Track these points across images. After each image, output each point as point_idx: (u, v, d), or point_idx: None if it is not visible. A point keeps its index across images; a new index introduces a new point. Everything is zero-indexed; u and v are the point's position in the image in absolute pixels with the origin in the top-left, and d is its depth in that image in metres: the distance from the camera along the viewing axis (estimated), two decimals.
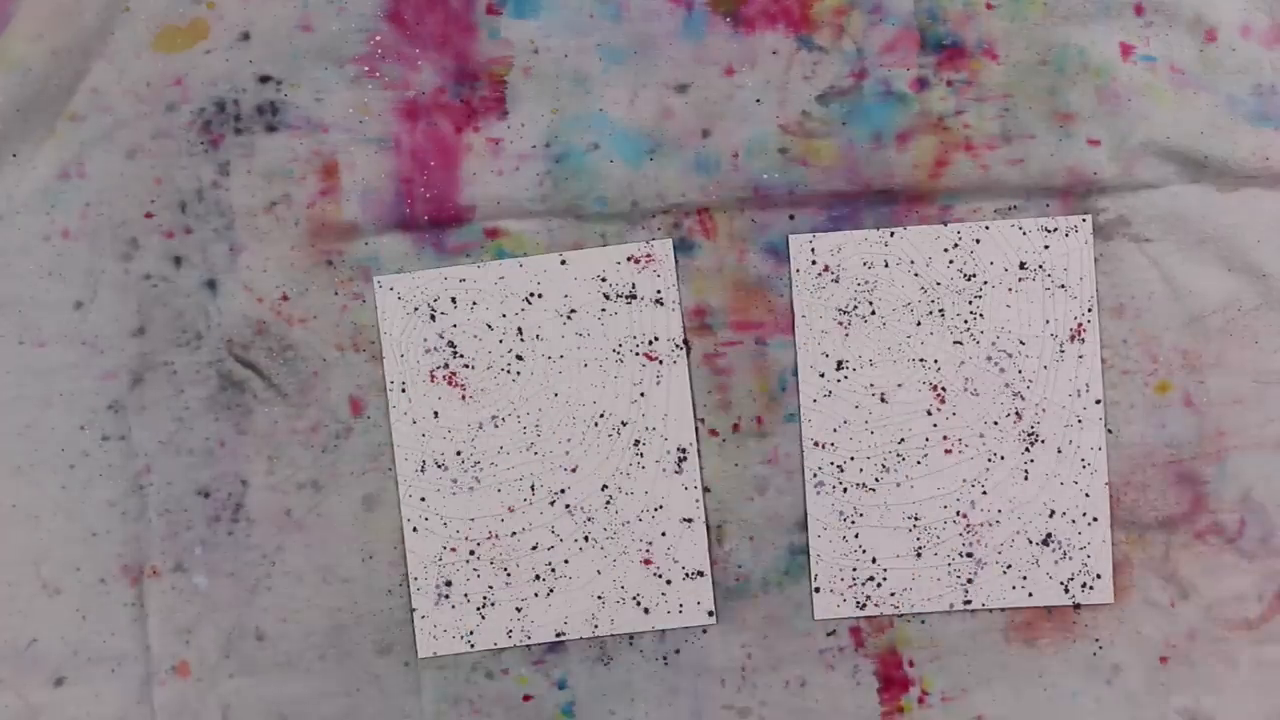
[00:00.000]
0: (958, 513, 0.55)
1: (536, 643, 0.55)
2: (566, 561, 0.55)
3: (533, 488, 0.55)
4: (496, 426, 0.54)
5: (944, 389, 0.54)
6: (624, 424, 0.54)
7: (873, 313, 0.54)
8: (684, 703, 0.55)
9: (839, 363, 0.54)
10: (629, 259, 0.54)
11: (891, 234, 0.54)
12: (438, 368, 0.55)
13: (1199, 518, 0.55)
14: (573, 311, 0.54)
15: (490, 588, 0.55)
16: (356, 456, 0.55)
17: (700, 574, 0.55)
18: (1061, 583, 0.54)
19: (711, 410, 0.55)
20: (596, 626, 0.55)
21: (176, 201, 0.54)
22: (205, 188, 0.54)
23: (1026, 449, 0.54)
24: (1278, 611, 0.54)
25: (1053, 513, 0.54)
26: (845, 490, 0.55)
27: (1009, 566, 0.55)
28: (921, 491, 0.55)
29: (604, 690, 0.55)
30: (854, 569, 0.55)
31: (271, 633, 0.55)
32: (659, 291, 0.54)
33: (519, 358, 0.54)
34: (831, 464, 0.55)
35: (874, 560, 0.55)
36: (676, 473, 0.55)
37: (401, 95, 0.54)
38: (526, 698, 0.55)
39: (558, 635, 0.55)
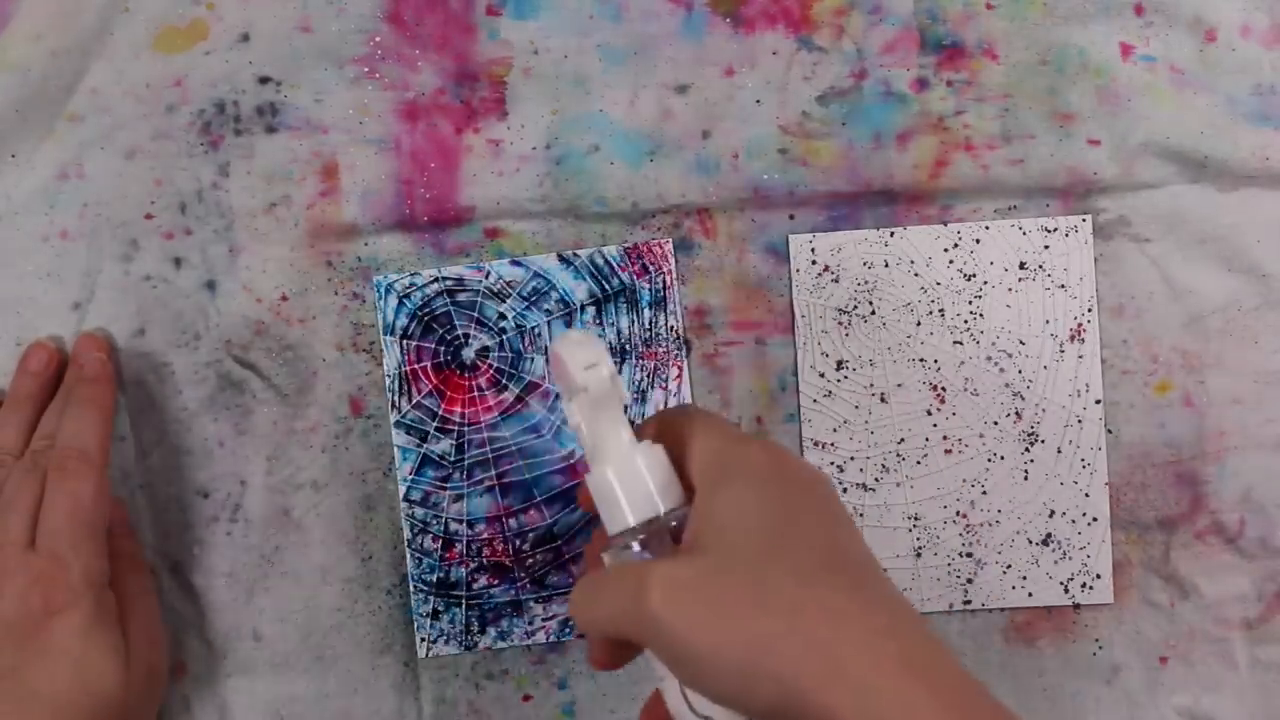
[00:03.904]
0: (958, 513, 0.55)
1: (536, 643, 0.55)
2: (567, 561, 0.55)
3: (532, 488, 0.55)
4: (496, 427, 0.54)
5: (944, 389, 0.54)
6: None
7: (873, 313, 0.54)
8: None
9: (839, 363, 0.54)
10: (629, 259, 0.54)
11: (891, 234, 0.54)
12: (437, 367, 0.55)
13: (1199, 518, 0.55)
14: (573, 311, 0.54)
15: (490, 588, 0.55)
16: (356, 456, 0.55)
17: None
18: (1061, 583, 0.54)
19: (711, 410, 0.55)
20: None
21: (176, 203, 0.54)
22: (205, 189, 0.54)
23: (1026, 449, 0.54)
24: (1277, 611, 0.54)
25: (1052, 513, 0.54)
26: (845, 490, 0.55)
27: (1009, 566, 0.55)
28: (921, 491, 0.55)
29: (604, 690, 0.55)
30: None
31: (269, 633, 0.55)
32: (659, 292, 0.54)
33: (519, 357, 0.54)
34: (831, 464, 0.55)
35: None
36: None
37: (401, 96, 0.54)
38: (526, 698, 0.55)
39: (558, 635, 0.55)
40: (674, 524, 0.37)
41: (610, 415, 0.37)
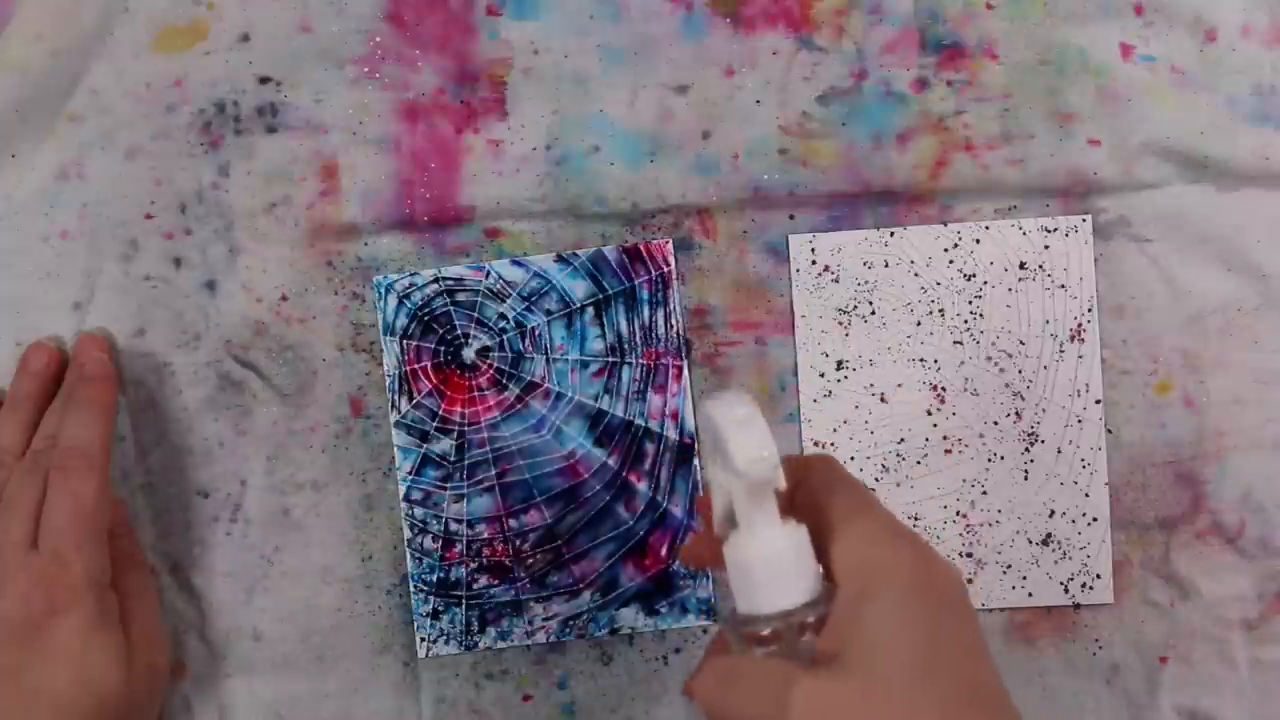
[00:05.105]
0: (958, 513, 0.55)
1: (536, 643, 0.55)
2: (567, 561, 0.55)
3: (532, 488, 0.55)
4: (496, 426, 0.54)
5: (944, 389, 0.54)
6: (624, 424, 0.54)
7: (873, 313, 0.54)
8: (684, 703, 0.55)
9: (839, 363, 0.54)
10: (629, 259, 0.54)
11: (891, 234, 0.54)
12: (437, 367, 0.55)
13: (1199, 518, 0.55)
14: (573, 311, 0.54)
15: (490, 588, 0.55)
16: (356, 456, 0.55)
17: (701, 573, 0.55)
18: (1061, 583, 0.54)
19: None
20: (596, 626, 0.55)
21: (176, 203, 0.54)
22: (205, 189, 0.54)
23: (1026, 449, 0.54)
24: (1277, 611, 0.54)
25: (1052, 513, 0.54)
26: None
27: (1009, 566, 0.55)
28: (921, 491, 0.55)
29: (604, 690, 0.55)
30: None
31: (269, 633, 0.55)
32: (659, 292, 0.54)
33: (519, 357, 0.54)
34: None
35: None
36: (677, 472, 0.55)
37: (401, 96, 0.54)
38: (526, 698, 0.55)
39: (558, 635, 0.55)
40: (810, 619, 0.36)
41: (764, 500, 0.36)
